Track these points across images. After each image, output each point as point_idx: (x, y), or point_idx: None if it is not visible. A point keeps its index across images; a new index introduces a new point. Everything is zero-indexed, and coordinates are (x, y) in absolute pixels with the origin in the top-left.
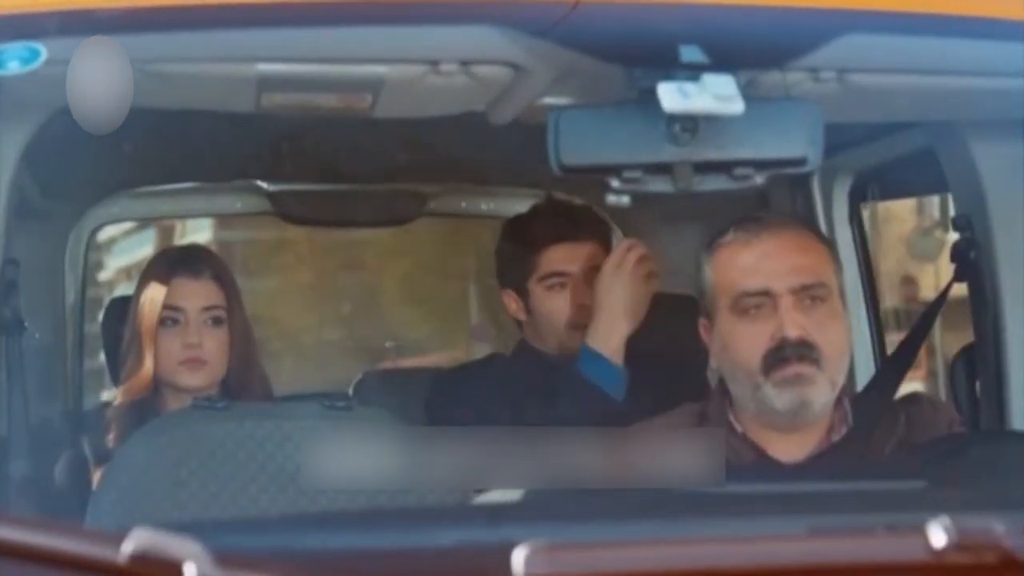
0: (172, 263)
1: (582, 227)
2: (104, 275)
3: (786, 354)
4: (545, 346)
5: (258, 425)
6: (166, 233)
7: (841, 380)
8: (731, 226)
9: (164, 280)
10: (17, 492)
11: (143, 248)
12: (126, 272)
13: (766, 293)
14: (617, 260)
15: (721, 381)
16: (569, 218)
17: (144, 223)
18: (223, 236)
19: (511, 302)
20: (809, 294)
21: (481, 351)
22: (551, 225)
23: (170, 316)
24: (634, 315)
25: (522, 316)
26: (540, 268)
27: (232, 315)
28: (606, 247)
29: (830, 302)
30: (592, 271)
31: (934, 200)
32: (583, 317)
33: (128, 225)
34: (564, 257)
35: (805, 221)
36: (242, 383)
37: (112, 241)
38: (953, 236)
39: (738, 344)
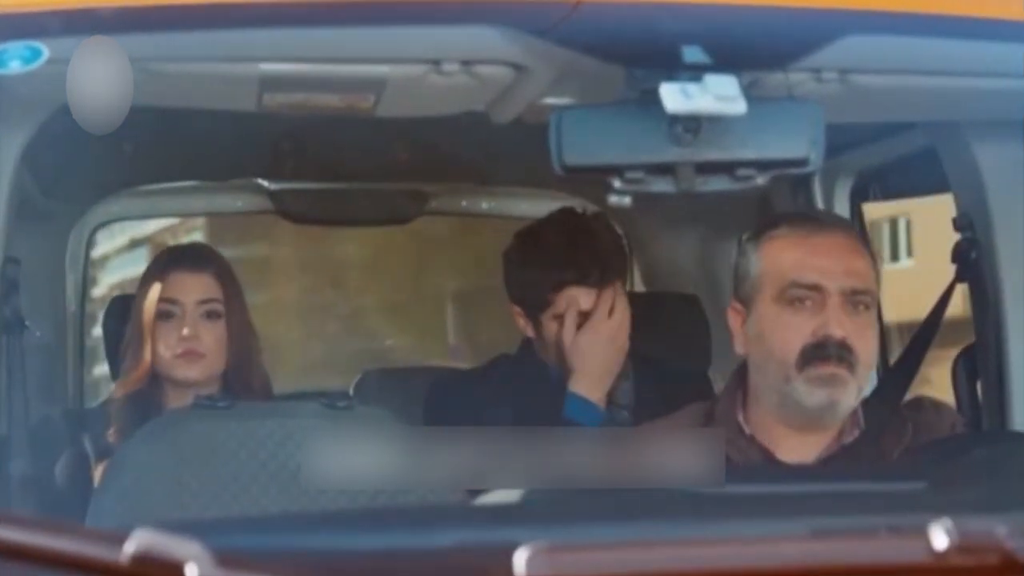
0: (172, 259)
1: (604, 270)
2: (105, 273)
3: (827, 352)
4: (550, 359)
5: (259, 424)
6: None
7: (865, 388)
8: (784, 220)
9: (163, 274)
10: (18, 491)
11: (143, 248)
12: (127, 271)
13: (817, 288)
14: (600, 315)
15: (732, 380)
16: (589, 257)
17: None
18: (220, 236)
19: (519, 318)
20: (856, 299)
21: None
22: (571, 267)
23: (167, 309)
24: (617, 361)
25: (530, 333)
26: (556, 305)
27: (231, 310)
28: (624, 280)
29: (871, 311)
30: (610, 309)
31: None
32: None
33: (129, 224)
34: (581, 299)
35: (856, 228)
36: (241, 379)
37: (113, 240)
38: (955, 236)
39: (777, 333)
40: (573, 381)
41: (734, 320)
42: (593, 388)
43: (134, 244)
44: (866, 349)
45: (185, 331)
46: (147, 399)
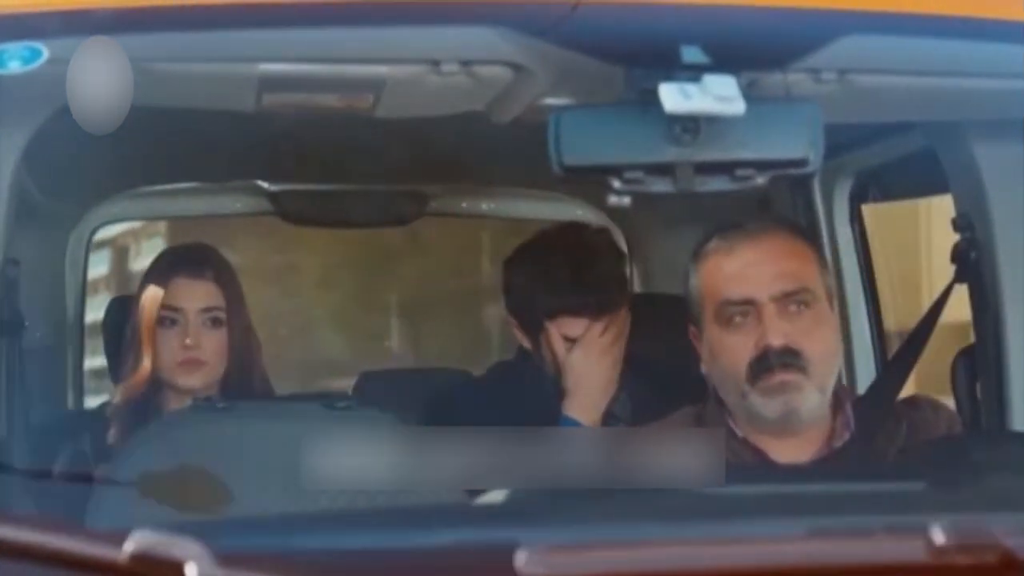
0: (173, 262)
1: (602, 300)
2: (104, 274)
3: (770, 363)
4: (546, 370)
5: (258, 425)
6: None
7: (830, 385)
8: (715, 233)
9: (164, 279)
10: (17, 491)
11: (144, 247)
12: (126, 271)
13: (749, 302)
14: (592, 337)
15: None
16: (588, 286)
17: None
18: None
19: (517, 331)
20: (793, 300)
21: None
22: (567, 295)
23: (169, 316)
24: (610, 385)
25: (526, 345)
26: (556, 328)
27: (232, 316)
28: (623, 304)
29: (816, 307)
30: (603, 332)
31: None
32: None
33: (129, 225)
34: (576, 328)
35: (790, 223)
36: (242, 384)
37: (112, 241)
38: (954, 237)
39: (723, 353)
40: (567, 404)
41: (695, 342)
42: (586, 411)
43: (134, 244)
44: (817, 348)
45: (188, 340)
46: (147, 404)
